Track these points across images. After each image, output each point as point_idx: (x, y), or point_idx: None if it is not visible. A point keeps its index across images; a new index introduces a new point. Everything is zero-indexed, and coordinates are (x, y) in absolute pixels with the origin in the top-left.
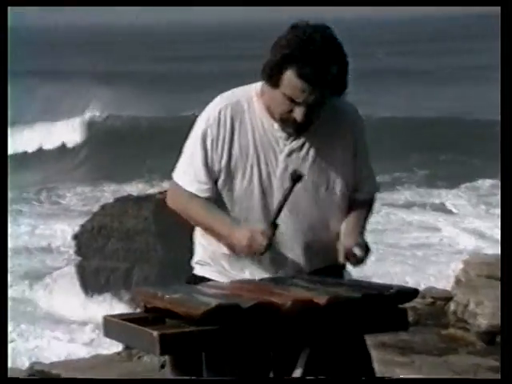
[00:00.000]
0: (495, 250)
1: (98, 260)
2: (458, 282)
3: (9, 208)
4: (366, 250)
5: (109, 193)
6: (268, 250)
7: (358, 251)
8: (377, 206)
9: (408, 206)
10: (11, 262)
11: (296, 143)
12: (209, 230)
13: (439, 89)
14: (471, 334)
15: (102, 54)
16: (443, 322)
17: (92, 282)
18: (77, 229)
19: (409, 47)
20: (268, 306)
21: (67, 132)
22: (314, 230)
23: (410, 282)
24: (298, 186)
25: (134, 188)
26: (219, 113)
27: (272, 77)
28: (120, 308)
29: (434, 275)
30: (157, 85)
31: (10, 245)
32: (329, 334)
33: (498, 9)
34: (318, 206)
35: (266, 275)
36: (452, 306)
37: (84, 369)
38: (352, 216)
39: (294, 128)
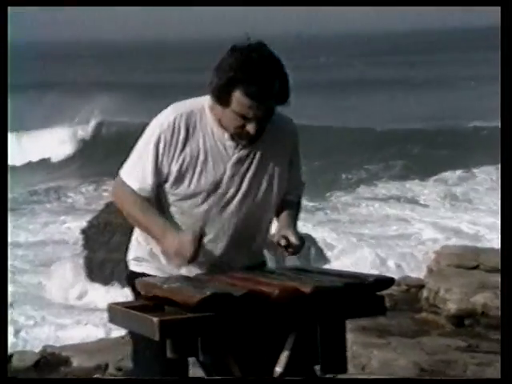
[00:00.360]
0: (464, 241)
1: (104, 253)
2: (429, 270)
3: (22, 207)
4: (302, 240)
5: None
6: (195, 259)
7: (294, 240)
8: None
9: (385, 199)
10: (27, 254)
11: (244, 152)
12: (144, 230)
13: (416, 97)
14: (441, 318)
15: (97, 65)
16: (417, 307)
17: (98, 273)
18: (84, 224)
19: (387, 59)
20: (258, 295)
21: (68, 137)
22: (250, 231)
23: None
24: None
25: None
26: (174, 120)
27: (221, 98)
28: (123, 296)
29: (408, 264)
30: (150, 93)
31: (30, 239)
32: (313, 320)
33: (478, 22)
34: (257, 209)
35: (201, 272)
36: (424, 293)
37: (92, 351)
38: (285, 213)
39: (247, 140)
